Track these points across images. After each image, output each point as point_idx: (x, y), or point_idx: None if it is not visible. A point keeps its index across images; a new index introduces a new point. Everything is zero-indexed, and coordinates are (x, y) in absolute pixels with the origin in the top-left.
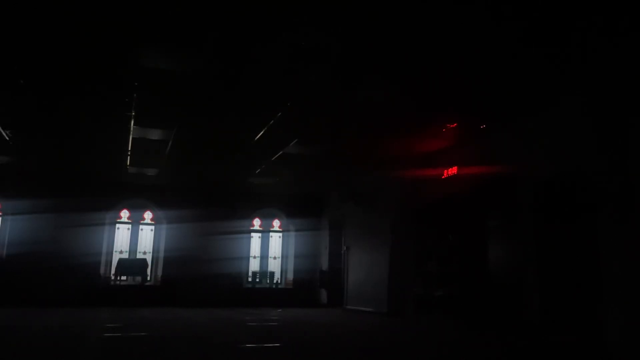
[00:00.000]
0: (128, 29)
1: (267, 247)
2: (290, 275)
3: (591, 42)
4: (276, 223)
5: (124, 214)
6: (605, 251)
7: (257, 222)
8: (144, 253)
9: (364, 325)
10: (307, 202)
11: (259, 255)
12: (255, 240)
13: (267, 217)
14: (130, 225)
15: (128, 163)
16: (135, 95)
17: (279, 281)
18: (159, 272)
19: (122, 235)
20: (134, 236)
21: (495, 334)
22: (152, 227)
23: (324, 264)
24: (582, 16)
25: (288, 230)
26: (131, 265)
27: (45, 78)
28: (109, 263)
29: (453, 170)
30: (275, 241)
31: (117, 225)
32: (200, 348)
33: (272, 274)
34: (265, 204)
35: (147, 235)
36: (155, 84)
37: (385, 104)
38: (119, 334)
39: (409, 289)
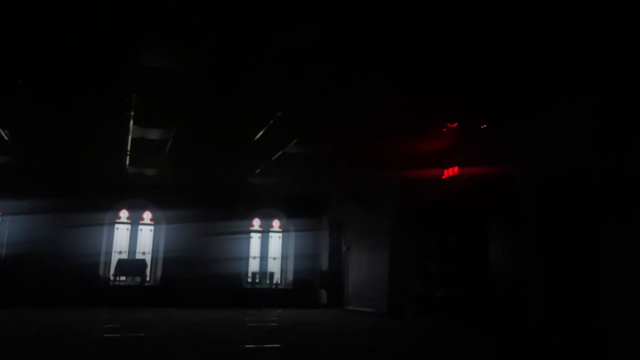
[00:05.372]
0: (127, 29)
1: (267, 248)
2: (290, 276)
3: (592, 44)
4: (276, 223)
5: (123, 214)
6: (606, 251)
7: (256, 223)
8: (143, 253)
9: (364, 325)
10: (307, 202)
11: (259, 255)
12: (255, 240)
13: (267, 218)
14: (129, 226)
15: (127, 163)
16: (134, 95)
17: (279, 282)
18: (158, 273)
19: (121, 235)
20: (133, 236)
21: (495, 334)
22: (152, 227)
23: (324, 264)
24: (583, 18)
25: (288, 231)
26: (130, 265)
27: (45, 78)
28: (108, 263)
29: (453, 170)
30: (275, 241)
31: (116, 225)
32: (200, 349)
33: (272, 274)
34: (265, 204)
35: (146, 236)
36: (154, 83)
37: (385, 103)
38: (118, 335)
39: (409, 289)
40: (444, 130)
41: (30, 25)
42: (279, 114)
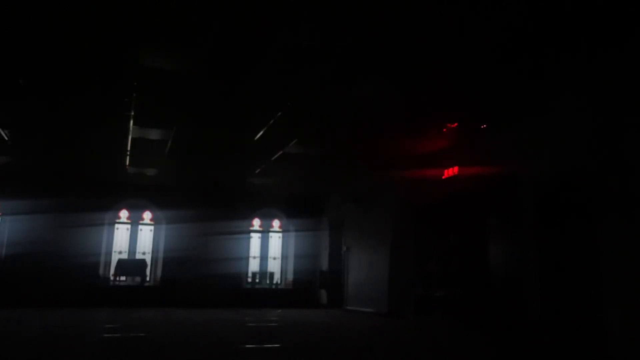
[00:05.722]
0: (127, 29)
1: (267, 248)
2: (290, 276)
3: (592, 44)
4: (276, 223)
5: (123, 214)
6: (606, 251)
7: (256, 223)
8: (143, 253)
9: (364, 325)
10: (307, 202)
11: (259, 255)
12: (255, 240)
13: (267, 218)
14: (129, 226)
15: (127, 163)
16: (134, 95)
17: (279, 282)
18: (158, 273)
19: (121, 235)
20: (133, 236)
21: (495, 334)
22: (152, 227)
23: (324, 264)
24: (583, 18)
25: (288, 231)
26: (130, 265)
27: (45, 78)
28: (108, 263)
29: (453, 170)
30: (275, 241)
31: (116, 225)
32: (200, 349)
33: (272, 274)
34: (265, 204)
35: (146, 236)
36: (154, 83)
37: (385, 104)
38: (118, 335)
39: (409, 289)
40: (444, 130)
41: (30, 25)
42: (279, 114)
